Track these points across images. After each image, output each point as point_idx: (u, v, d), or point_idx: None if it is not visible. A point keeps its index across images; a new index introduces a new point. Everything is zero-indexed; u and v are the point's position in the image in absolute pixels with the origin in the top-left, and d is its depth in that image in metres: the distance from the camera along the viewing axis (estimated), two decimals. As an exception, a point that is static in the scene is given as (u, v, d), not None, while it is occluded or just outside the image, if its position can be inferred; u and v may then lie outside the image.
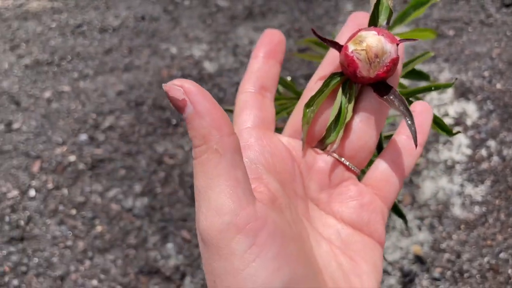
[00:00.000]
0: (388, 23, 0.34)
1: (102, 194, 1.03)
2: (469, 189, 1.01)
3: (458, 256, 0.95)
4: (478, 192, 1.01)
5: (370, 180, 0.32)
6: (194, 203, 0.91)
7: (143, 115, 1.13)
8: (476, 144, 1.07)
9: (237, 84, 1.19)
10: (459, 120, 1.10)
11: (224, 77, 1.21)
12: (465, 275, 0.92)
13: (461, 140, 1.07)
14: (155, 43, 1.29)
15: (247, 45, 1.28)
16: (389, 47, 0.32)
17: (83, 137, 1.09)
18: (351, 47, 0.32)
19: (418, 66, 0.62)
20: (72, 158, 1.07)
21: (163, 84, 0.25)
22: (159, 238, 0.98)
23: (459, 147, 1.07)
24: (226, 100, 1.17)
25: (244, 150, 0.29)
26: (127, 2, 1.42)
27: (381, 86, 0.33)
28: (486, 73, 1.16)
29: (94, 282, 0.94)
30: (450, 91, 1.14)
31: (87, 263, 0.96)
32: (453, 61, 1.18)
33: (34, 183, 1.04)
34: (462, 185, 1.02)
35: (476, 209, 0.99)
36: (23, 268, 0.95)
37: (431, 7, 1.30)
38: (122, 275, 0.95)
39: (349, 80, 0.34)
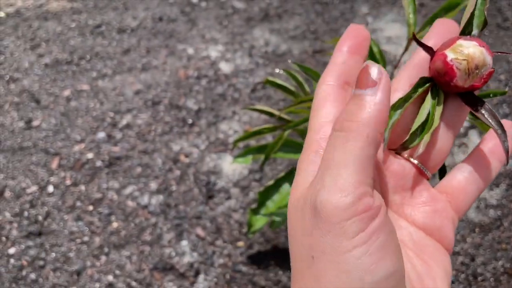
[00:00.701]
0: (481, 32, 0.33)
1: (119, 191, 1.05)
2: (484, 192, 1.01)
3: (472, 259, 0.94)
4: (493, 195, 1.01)
5: (446, 188, 0.32)
6: (208, 202, 0.92)
7: (160, 114, 1.15)
8: (492, 148, 1.06)
9: (252, 84, 1.20)
10: (474, 124, 1.10)
11: (239, 77, 1.22)
12: (479, 278, 0.92)
13: (477, 142, 1.07)
14: (172, 44, 1.31)
15: (263, 47, 1.29)
16: (489, 59, 0.31)
17: (101, 135, 1.11)
18: (450, 55, 0.32)
19: None
20: (90, 155, 1.09)
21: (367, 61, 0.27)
22: (173, 235, 0.99)
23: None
24: (241, 100, 1.19)
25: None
26: (145, 3, 1.45)
27: (470, 97, 0.32)
28: (502, 77, 1.15)
29: (110, 277, 0.96)
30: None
31: (103, 258, 0.98)
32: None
33: (52, 179, 1.06)
34: (477, 188, 1.02)
35: (491, 212, 0.99)
36: (41, 263, 0.97)
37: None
38: (137, 271, 0.96)
39: (436, 86, 0.34)
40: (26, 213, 1.02)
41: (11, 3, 1.46)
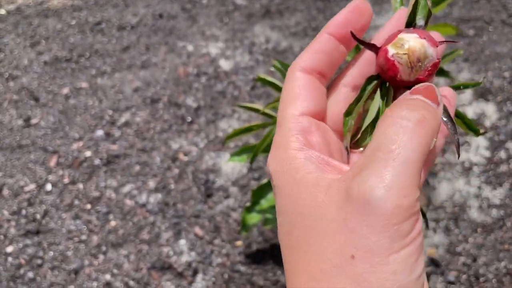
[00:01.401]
0: (426, 23, 0.33)
1: (117, 190, 1.04)
2: (487, 191, 0.99)
3: (474, 259, 0.93)
4: (496, 195, 0.99)
5: None
6: (207, 200, 0.90)
7: (159, 112, 1.14)
8: (495, 146, 1.04)
9: (252, 82, 1.19)
10: (478, 122, 1.08)
11: (239, 75, 1.21)
12: (481, 279, 0.91)
13: (480, 141, 1.05)
14: (172, 41, 1.30)
15: (264, 44, 1.28)
16: (431, 51, 0.31)
17: (99, 133, 1.11)
18: (391, 51, 0.31)
19: None
20: (88, 153, 1.08)
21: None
22: (172, 234, 0.99)
23: (477, 149, 1.04)
24: (241, 98, 1.17)
25: (308, 135, 0.31)
26: (146, 0, 1.44)
27: None
28: (506, 74, 1.13)
29: (107, 276, 0.95)
30: (468, 92, 1.12)
31: (101, 257, 0.97)
32: (473, 61, 1.16)
33: (50, 177, 1.05)
34: (479, 188, 1.00)
35: (494, 212, 0.97)
36: (39, 261, 0.97)
37: (452, 5, 1.28)
38: (134, 270, 0.96)
39: (385, 83, 0.34)
40: (24, 212, 1.02)
41: (12, 0, 1.46)
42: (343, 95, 0.34)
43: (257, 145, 0.68)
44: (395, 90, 0.33)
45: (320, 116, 0.32)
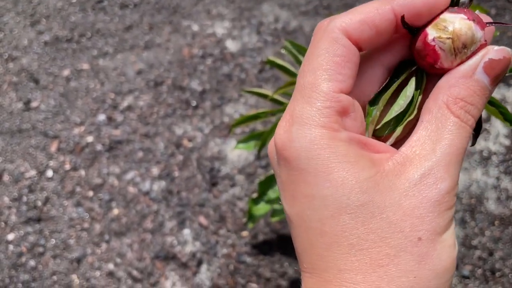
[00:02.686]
0: (470, 1, 0.28)
1: (119, 176, 1.01)
2: (506, 182, 0.94)
3: (491, 253, 0.89)
4: (515, 186, 0.94)
5: None
6: (212, 189, 0.87)
7: (162, 96, 1.10)
8: (516, 134, 0.99)
9: (260, 64, 1.14)
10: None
11: (246, 57, 1.15)
12: (497, 274, 0.87)
13: (499, 129, 1.00)
14: (177, 20, 1.24)
15: (272, 23, 1.22)
16: (480, 35, 0.26)
17: (101, 117, 1.07)
18: (432, 34, 0.27)
19: None
20: (90, 138, 1.04)
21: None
22: (176, 223, 0.96)
23: (496, 137, 0.99)
24: (248, 81, 1.12)
25: None
26: (149, -23, 1.37)
27: None
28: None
29: (110, 265, 0.93)
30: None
31: (104, 246, 0.95)
32: (494, 43, 1.10)
33: (51, 163, 1.02)
34: (498, 178, 0.95)
35: (513, 204, 0.93)
36: (40, 249, 0.95)
37: (472, -17, 1.21)
38: (138, 259, 0.93)
39: (420, 69, 0.29)
40: (25, 198, 0.99)
41: (11, -24, 1.41)
42: (378, 75, 0.30)
43: (265, 133, 0.64)
44: (429, 77, 0.29)
45: (352, 87, 0.29)
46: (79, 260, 0.94)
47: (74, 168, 1.02)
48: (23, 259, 0.93)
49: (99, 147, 1.03)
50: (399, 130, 0.30)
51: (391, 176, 0.26)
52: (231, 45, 1.18)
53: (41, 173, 1.01)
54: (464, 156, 0.27)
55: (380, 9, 0.28)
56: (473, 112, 0.27)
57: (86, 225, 0.97)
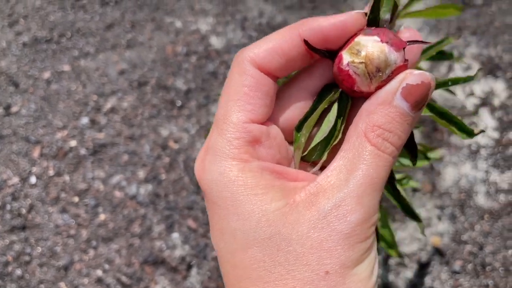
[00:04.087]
0: (391, 18, 0.27)
1: (105, 181, 0.99)
2: (495, 176, 0.94)
3: (481, 248, 0.89)
4: (504, 179, 0.94)
5: None
6: (199, 191, 0.85)
7: (147, 96, 1.08)
8: (504, 127, 0.98)
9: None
10: (486, 100, 1.01)
11: (231, 53, 1.13)
12: (487, 268, 0.87)
13: (488, 122, 0.99)
14: (159, 17, 1.21)
15: (257, 18, 1.19)
16: (395, 57, 0.25)
17: (84, 120, 1.04)
18: (346, 58, 0.26)
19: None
20: (73, 143, 1.02)
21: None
22: (164, 227, 0.94)
23: (485, 130, 0.99)
24: (234, 79, 1.10)
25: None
26: (129, -28, 1.34)
27: None
28: (517, 48, 1.06)
29: (99, 272, 0.91)
30: (476, 67, 1.05)
31: (91, 252, 0.93)
32: (481, 34, 1.08)
33: (34, 169, 1.00)
34: (487, 172, 0.95)
35: (502, 197, 0.92)
36: (26, 258, 0.93)
37: (458, -28, 1.19)
38: (126, 265, 0.92)
39: (343, 93, 0.28)
40: (8, 206, 0.97)
41: (-13, -26, 1.36)
42: (303, 100, 0.30)
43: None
44: (354, 99, 0.29)
45: (269, 117, 0.29)
46: (66, 268, 0.92)
47: (58, 174, 0.99)
48: (10, 268, 0.92)
49: (83, 151, 1.01)
50: (324, 156, 0.29)
51: (301, 207, 0.26)
52: (216, 42, 1.15)
53: (24, 179, 0.99)
54: (384, 184, 0.26)
55: (287, 36, 0.27)
56: (392, 140, 0.26)
57: (72, 231, 0.95)
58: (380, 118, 0.26)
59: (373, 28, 0.26)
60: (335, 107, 0.29)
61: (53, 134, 1.03)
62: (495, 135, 0.98)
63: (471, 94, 1.02)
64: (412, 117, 0.26)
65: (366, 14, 0.27)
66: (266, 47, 0.27)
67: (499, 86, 1.02)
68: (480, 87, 1.03)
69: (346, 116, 0.29)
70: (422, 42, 0.27)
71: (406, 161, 0.62)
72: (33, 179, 0.99)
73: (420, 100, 0.25)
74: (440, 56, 0.61)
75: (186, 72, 1.11)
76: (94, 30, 1.19)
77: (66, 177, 0.99)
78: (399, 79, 0.25)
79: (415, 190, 0.93)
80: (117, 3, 1.25)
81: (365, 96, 0.27)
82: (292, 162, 0.31)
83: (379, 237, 0.66)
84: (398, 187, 0.54)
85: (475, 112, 1.00)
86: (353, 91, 0.27)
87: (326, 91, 0.29)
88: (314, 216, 0.25)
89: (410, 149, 0.29)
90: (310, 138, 0.30)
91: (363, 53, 0.25)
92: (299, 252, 0.25)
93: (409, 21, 1.10)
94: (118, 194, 0.98)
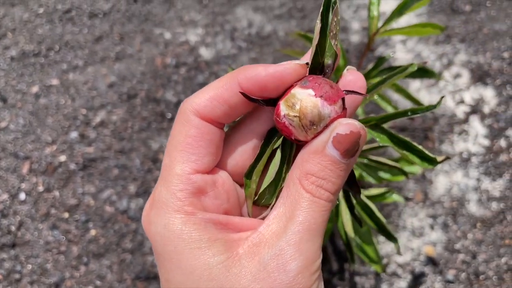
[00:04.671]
0: (334, 65, 0.27)
1: (95, 196, 0.98)
2: (486, 183, 0.94)
3: (474, 256, 0.88)
4: (496, 187, 0.94)
5: None
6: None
7: (136, 109, 1.07)
8: (494, 134, 0.98)
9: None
10: (476, 108, 1.01)
11: (221, 64, 1.13)
12: (481, 277, 0.87)
13: (478, 129, 0.99)
14: (148, 28, 1.21)
15: (246, 28, 1.19)
16: (328, 111, 0.26)
17: (74, 134, 1.03)
18: (283, 110, 0.27)
19: (429, 49, 0.54)
20: (63, 158, 1.01)
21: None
22: (155, 242, 0.93)
23: (475, 138, 0.99)
24: (224, 90, 1.10)
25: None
26: (118, -17, 1.33)
27: None
28: (506, 54, 1.06)
29: (90, 288, 0.90)
30: (466, 75, 1.05)
31: (82, 268, 0.92)
32: (470, 41, 1.09)
33: (24, 185, 0.99)
34: (478, 180, 0.94)
35: (494, 205, 0.92)
36: (17, 276, 0.92)
37: (446, -20, 1.19)
38: (118, 281, 0.91)
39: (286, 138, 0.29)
40: (-3, 224, 0.96)
41: (-26, -12, 1.35)
42: (251, 143, 0.30)
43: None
44: (298, 144, 0.29)
45: (217, 163, 0.29)
46: (57, 285, 0.91)
47: (48, 190, 0.98)
48: (0, 287, 0.90)
49: (72, 166, 1.00)
50: (273, 200, 0.30)
51: (244, 259, 0.26)
52: (205, 53, 1.15)
53: (13, 196, 0.98)
54: (323, 229, 0.26)
55: (227, 84, 0.28)
56: (326, 186, 0.26)
57: (63, 248, 0.94)
58: (313, 167, 0.26)
59: (311, 78, 0.27)
60: (279, 152, 0.29)
61: (42, 149, 1.02)
62: (486, 142, 0.98)
63: (461, 101, 1.02)
64: (344, 164, 0.26)
65: (307, 64, 0.27)
66: (207, 96, 0.28)
67: (488, 93, 1.02)
68: (469, 95, 1.03)
69: (291, 159, 0.30)
70: (359, 93, 0.27)
71: (385, 175, 0.62)
72: (22, 196, 0.98)
73: (351, 149, 0.26)
74: (422, 74, 0.61)
75: (175, 84, 1.10)
76: (83, 42, 1.18)
77: (56, 193, 0.98)
78: (331, 128, 0.26)
79: (407, 199, 0.93)
80: (106, 15, 1.24)
81: (304, 144, 0.27)
82: (245, 207, 0.31)
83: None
84: (374, 209, 0.54)
85: (465, 120, 1.00)
86: (292, 139, 0.28)
87: (272, 135, 0.30)
88: (255, 268, 0.25)
89: (351, 186, 0.30)
90: (260, 183, 0.31)
91: (297, 107, 0.26)
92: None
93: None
94: (108, 209, 0.97)
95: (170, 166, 0.28)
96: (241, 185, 0.31)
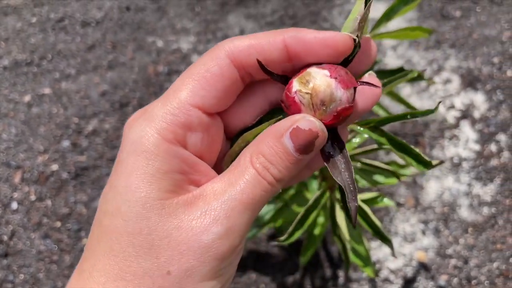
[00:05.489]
0: (353, 57, 0.27)
1: (87, 204, 0.98)
2: (477, 188, 0.94)
3: (466, 261, 0.89)
4: (487, 191, 0.94)
5: None
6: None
7: (128, 117, 1.07)
8: (485, 139, 0.99)
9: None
10: (466, 113, 1.02)
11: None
12: (473, 282, 0.87)
13: (469, 134, 1.00)
14: (141, 36, 1.21)
15: (238, 35, 1.20)
16: (341, 93, 0.26)
17: (66, 143, 1.03)
18: (295, 86, 0.27)
19: (420, 55, 0.55)
20: (55, 167, 1.01)
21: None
22: (148, 250, 0.93)
23: (466, 142, 0.99)
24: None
25: None
26: (110, -8, 1.34)
27: (329, 133, 0.28)
28: (495, 59, 1.07)
29: (83, 297, 0.90)
30: (456, 80, 1.06)
31: (75, 278, 0.92)
32: (460, 47, 1.09)
33: (16, 195, 0.99)
34: (469, 185, 0.95)
35: (485, 210, 0.92)
36: (9, 286, 0.91)
37: (436, -14, 1.20)
38: (111, 290, 0.91)
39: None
40: (-11, 233, 0.96)
41: (-33, -3, 1.35)
42: (258, 105, 0.31)
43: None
44: None
45: (215, 109, 0.29)
46: (49, 294, 0.91)
47: (40, 199, 0.98)
48: (-9, 297, 0.90)
49: (64, 175, 1.00)
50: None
51: (179, 205, 0.26)
52: (197, 61, 1.15)
53: (5, 205, 0.98)
54: (258, 208, 0.26)
55: (272, 38, 0.28)
56: (272, 171, 0.27)
57: (55, 257, 0.94)
58: (266, 149, 0.27)
59: (328, 64, 0.27)
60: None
61: (34, 158, 1.02)
62: (477, 147, 0.98)
63: (452, 107, 1.03)
64: (295, 158, 0.26)
65: (355, 39, 0.27)
66: (247, 42, 0.28)
67: (479, 99, 1.03)
68: (460, 100, 1.03)
69: None
70: (372, 85, 0.27)
71: (379, 178, 0.62)
72: (14, 205, 0.98)
73: (305, 145, 0.26)
74: (414, 77, 0.61)
75: (168, 91, 1.11)
76: (75, 51, 1.19)
77: (48, 202, 0.98)
78: (295, 119, 0.26)
79: (399, 204, 0.93)
80: (98, 24, 1.25)
81: None
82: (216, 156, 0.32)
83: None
84: (369, 212, 0.54)
85: (456, 125, 1.01)
86: None
87: (271, 114, 0.30)
88: (184, 217, 0.26)
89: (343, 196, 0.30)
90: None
91: (311, 85, 0.26)
92: (155, 244, 0.25)
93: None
94: (101, 217, 0.97)
95: (177, 89, 0.28)
96: (228, 138, 0.32)
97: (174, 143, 0.27)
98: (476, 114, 1.01)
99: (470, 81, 1.05)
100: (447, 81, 1.05)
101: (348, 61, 0.27)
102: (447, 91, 1.05)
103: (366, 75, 0.29)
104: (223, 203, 0.26)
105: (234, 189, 0.26)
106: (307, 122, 0.26)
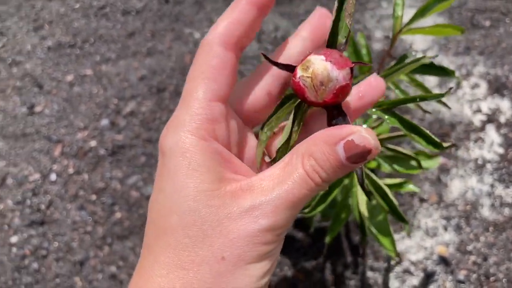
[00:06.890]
0: (346, 42, 0.32)
1: (122, 181, 1.02)
2: (500, 189, 0.97)
3: (485, 259, 0.91)
4: (509, 193, 0.97)
5: None
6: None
7: (164, 102, 1.12)
8: (509, 143, 1.02)
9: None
10: (492, 117, 1.05)
11: (247, 64, 1.18)
12: (491, 278, 0.89)
13: (494, 138, 1.03)
14: (179, 28, 1.26)
15: (272, 32, 1.24)
16: (336, 74, 0.30)
17: (105, 122, 1.08)
18: (299, 72, 0.31)
19: (449, 59, 0.58)
20: (93, 143, 1.06)
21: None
22: (178, 227, 0.97)
23: (491, 146, 1.02)
24: (249, 88, 1.14)
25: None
26: (151, -16, 1.39)
27: (334, 110, 0.32)
28: None
29: (113, 268, 0.94)
30: (483, 86, 1.09)
31: (106, 249, 0.96)
32: (488, 54, 1.13)
33: (55, 167, 1.03)
34: (492, 186, 0.98)
35: (506, 211, 0.95)
36: (43, 252, 0.96)
37: (467, -5, 1.24)
38: (140, 263, 0.95)
39: (301, 102, 0.34)
40: (28, 202, 1.00)
41: (14, -19, 1.42)
42: (272, 88, 0.34)
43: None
44: (311, 107, 0.34)
45: (228, 96, 0.32)
46: (81, 263, 0.95)
47: (78, 172, 1.03)
48: (26, 261, 0.95)
49: (102, 151, 1.05)
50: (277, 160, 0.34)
51: (228, 197, 0.29)
52: (233, 53, 1.20)
53: (44, 176, 1.03)
54: (301, 205, 0.29)
55: (237, 7, 0.32)
56: (321, 174, 0.29)
57: (89, 228, 0.98)
58: (318, 154, 0.29)
59: (324, 49, 0.32)
60: (292, 114, 0.34)
61: (74, 134, 1.07)
62: (501, 150, 1.01)
63: (478, 110, 1.06)
64: (345, 166, 0.29)
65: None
66: (225, 23, 0.32)
67: (505, 104, 1.06)
68: (487, 105, 1.07)
69: (302, 121, 0.34)
70: (364, 63, 0.32)
71: (400, 168, 0.65)
72: (53, 176, 1.03)
73: (356, 159, 0.28)
74: (439, 72, 0.63)
75: (203, 80, 1.15)
76: (116, 37, 1.24)
77: (85, 176, 1.03)
78: (351, 130, 0.29)
79: (422, 200, 0.96)
80: (138, 13, 1.30)
81: (315, 105, 0.32)
82: (247, 150, 0.35)
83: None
84: (387, 191, 0.57)
85: (482, 128, 1.04)
86: (305, 100, 0.32)
87: (286, 100, 0.35)
88: (233, 208, 0.28)
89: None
90: (271, 138, 0.35)
91: (310, 69, 0.30)
92: (208, 234, 0.27)
93: (420, 40, 1.15)
94: (134, 194, 1.01)
95: (192, 91, 0.31)
96: (246, 124, 0.35)
97: (207, 138, 0.30)
98: (502, 119, 1.04)
99: (497, 88, 1.08)
100: (475, 86, 1.09)
101: (344, 44, 0.32)
102: (475, 95, 1.08)
103: (370, 76, 0.34)
104: (271, 199, 0.28)
105: (282, 188, 0.28)
106: (362, 138, 0.28)
